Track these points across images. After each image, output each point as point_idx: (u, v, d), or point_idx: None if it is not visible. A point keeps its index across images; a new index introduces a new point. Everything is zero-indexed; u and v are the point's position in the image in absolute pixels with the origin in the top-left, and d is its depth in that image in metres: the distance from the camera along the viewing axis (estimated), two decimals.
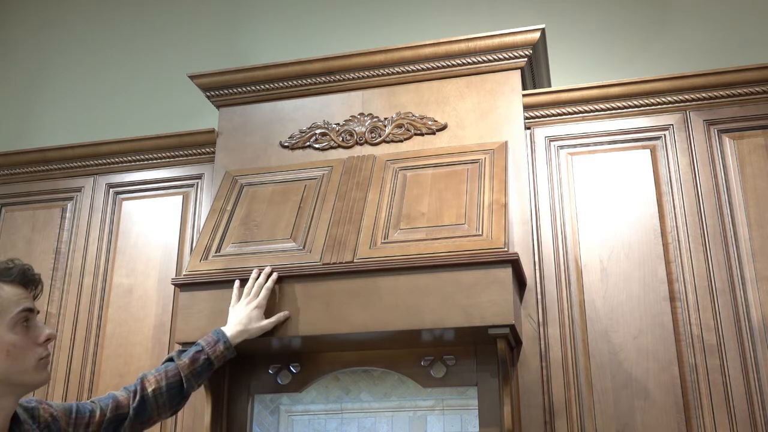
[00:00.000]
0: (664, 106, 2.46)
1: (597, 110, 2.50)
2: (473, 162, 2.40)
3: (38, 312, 1.46)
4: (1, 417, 1.37)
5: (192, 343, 2.05)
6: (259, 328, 2.11)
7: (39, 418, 1.48)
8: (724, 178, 2.34)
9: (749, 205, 2.29)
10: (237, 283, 2.20)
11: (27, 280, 1.44)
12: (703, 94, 2.43)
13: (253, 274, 2.20)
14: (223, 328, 2.06)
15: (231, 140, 2.76)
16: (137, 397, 1.74)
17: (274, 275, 2.20)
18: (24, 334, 1.38)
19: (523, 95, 2.54)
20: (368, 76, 2.68)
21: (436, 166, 2.43)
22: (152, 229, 2.78)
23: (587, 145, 2.49)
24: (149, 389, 1.77)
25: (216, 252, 2.36)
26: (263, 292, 2.15)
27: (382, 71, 2.66)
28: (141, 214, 2.83)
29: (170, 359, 1.91)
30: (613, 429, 2.16)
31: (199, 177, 2.81)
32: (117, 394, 1.73)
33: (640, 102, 2.47)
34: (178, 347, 2.52)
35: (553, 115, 2.52)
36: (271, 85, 2.76)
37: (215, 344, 1.97)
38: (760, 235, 2.25)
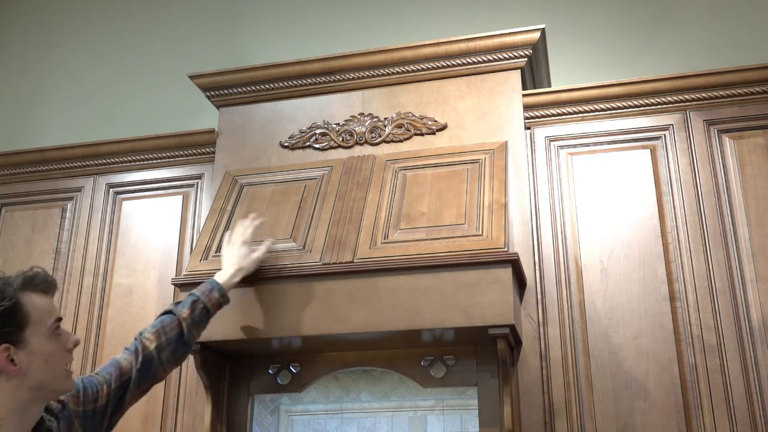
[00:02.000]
0: (664, 106, 2.46)
1: (597, 110, 2.50)
2: (473, 162, 2.40)
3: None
4: (33, 421, 1.41)
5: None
6: (252, 263, 2.15)
7: (52, 409, 1.51)
8: (724, 178, 2.34)
9: (749, 205, 2.29)
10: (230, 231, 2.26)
11: (50, 287, 1.47)
12: (703, 94, 2.43)
13: (244, 220, 2.27)
14: (216, 275, 2.08)
15: (231, 140, 2.76)
16: (139, 358, 1.73)
17: (256, 221, 2.27)
18: (58, 343, 1.43)
19: (523, 95, 2.54)
20: (368, 76, 2.68)
21: (436, 166, 2.43)
22: (152, 229, 2.78)
23: (587, 145, 2.49)
24: (151, 347, 1.76)
25: (216, 252, 2.36)
26: (250, 230, 2.22)
27: (382, 71, 2.66)
28: (141, 214, 2.83)
29: (167, 312, 1.90)
30: (613, 429, 2.16)
31: (199, 177, 2.81)
32: (119, 359, 1.72)
33: (640, 102, 2.47)
34: None
35: (553, 115, 2.52)
36: (271, 85, 2.76)
37: (210, 293, 1.97)
38: (760, 235, 2.25)
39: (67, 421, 1.51)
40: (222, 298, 2.01)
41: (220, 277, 2.06)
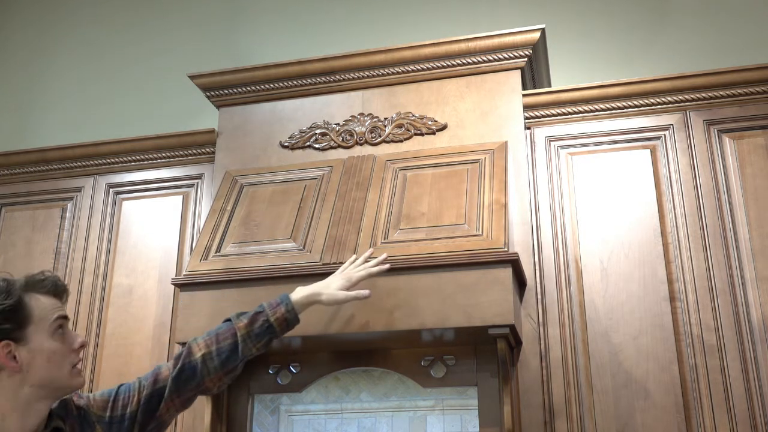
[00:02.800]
0: (664, 106, 2.46)
1: (597, 110, 2.50)
2: (473, 162, 2.40)
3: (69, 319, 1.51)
4: (36, 419, 1.41)
5: None
6: (331, 296, 1.89)
7: (71, 410, 1.50)
8: (724, 178, 2.34)
9: (749, 205, 2.29)
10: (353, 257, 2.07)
11: (59, 290, 1.49)
12: (703, 94, 2.43)
13: (366, 254, 2.06)
14: (293, 291, 1.87)
15: (231, 140, 2.76)
16: (179, 365, 1.61)
17: (385, 266, 2.03)
18: (61, 342, 1.44)
19: (523, 95, 2.54)
20: (368, 76, 2.68)
21: (436, 166, 2.43)
22: (152, 229, 2.78)
23: (587, 145, 2.49)
24: (197, 354, 1.63)
25: (216, 252, 2.36)
26: (363, 272, 1.98)
27: (382, 71, 2.66)
28: (141, 214, 2.83)
29: (227, 320, 1.74)
30: (613, 429, 2.16)
31: (199, 177, 2.81)
32: (162, 365, 1.63)
33: (640, 102, 2.47)
34: (178, 347, 2.53)
35: (553, 115, 2.52)
36: (271, 85, 2.76)
37: (276, 306, 1.77)
38: (760, 235, 2.25)
39: (82, 426, 1.49)
40: (288, 314, 1.78)
41: (295, 293, 1.85)
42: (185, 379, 1.61)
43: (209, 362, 1.64)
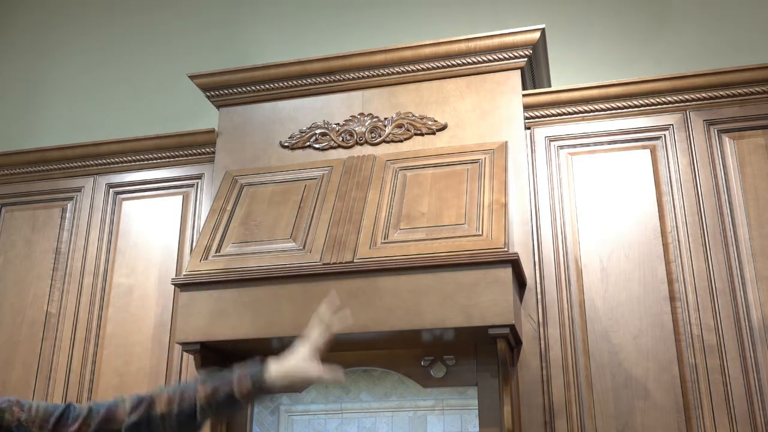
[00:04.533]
0: (664, 106, 2.46)
1: (597, 110, 2.50)
2: (473, 162, 2.40)
3: None
4: None
5: (193, 343, 2.10)
6: (306, 377, 1.60)
7: (2, 421, 1.34)
8: (724, 178, 2.34)
9: (749, 205, 2.29)
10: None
11: None
12: (703, 94, 2.43)
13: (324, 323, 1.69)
14: (273, 363, 1.59)
15: (231, 140, 2.76)
16: (137, 415, 1.47)
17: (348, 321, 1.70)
18: None
19: (523, 95, 2.54)
20: (368, 76, 2.68)
21: (436, 166, 2.43)
22: (152, 229, 2.78)
23: (587, 145, 2.49)
24: (158, 410, 1.49)
25: (216, 252, 2.36)
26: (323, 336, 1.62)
27: (382, 71, 2.66)
28: (141, 214, 2.83)
29: (196, 380, 1.56)
30: (613, 429, 2.16)
31: (199, 177, 2.81)
32: (119, 402, 1.49)
33: (640, 102, 2.47)
34: (177, 347, 2.53)
35: (553, 115, 2.52)
36: (271, 85, 2.76)
37: (244, 379, 1.55)
38: (760, 235, 2.25)
39: None
40: (255, 391, 1.55)
41: (272, 368, 1.57)
42: (140, 430, 1.48)
43: (167, 421, 1.50)
